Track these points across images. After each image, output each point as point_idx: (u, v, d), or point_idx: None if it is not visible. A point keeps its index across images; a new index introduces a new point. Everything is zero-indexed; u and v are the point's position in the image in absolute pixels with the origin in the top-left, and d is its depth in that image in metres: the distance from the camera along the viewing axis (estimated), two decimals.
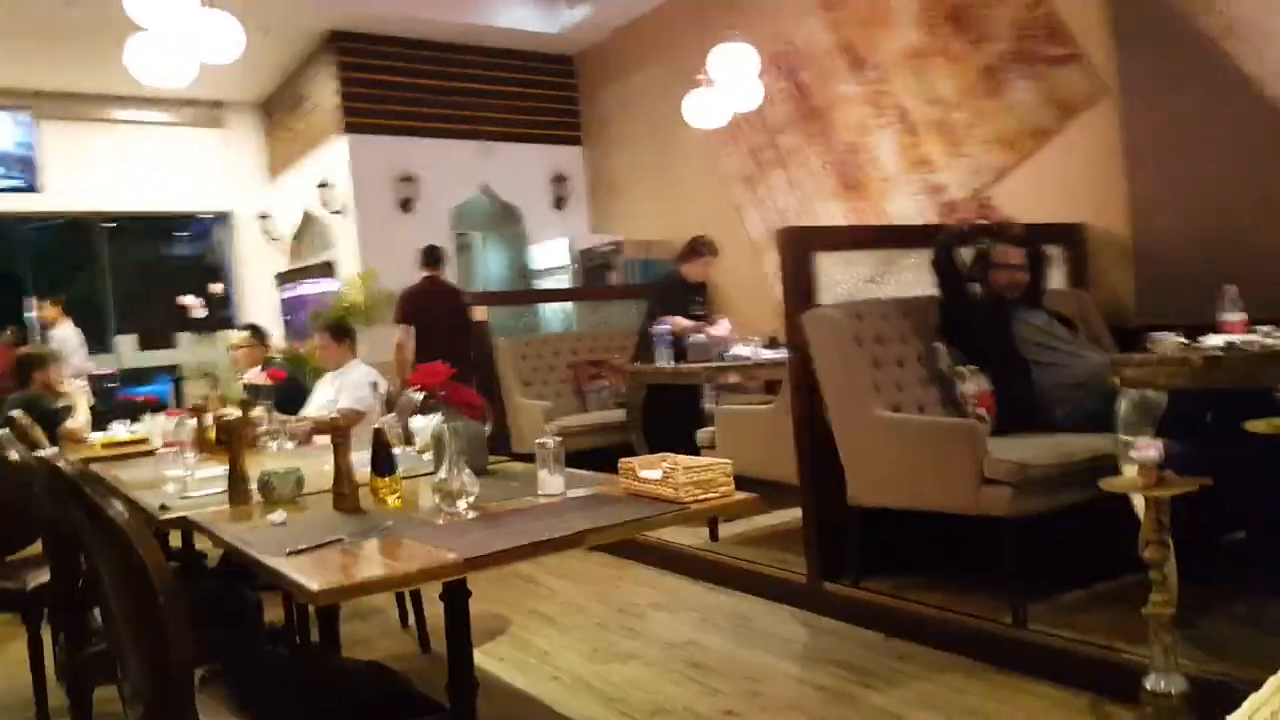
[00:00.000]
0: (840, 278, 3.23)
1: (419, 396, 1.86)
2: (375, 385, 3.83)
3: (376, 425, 2.02)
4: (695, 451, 3.34)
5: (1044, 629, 2.52)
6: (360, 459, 1.92)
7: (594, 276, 6.55)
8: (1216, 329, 2.80)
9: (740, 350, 4.36)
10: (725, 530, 3.93)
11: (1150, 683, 1.97)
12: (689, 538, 3.81)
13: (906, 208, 4.68)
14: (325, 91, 6.68)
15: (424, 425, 2.38)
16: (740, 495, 1.81)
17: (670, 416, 4.37)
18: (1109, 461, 2.41)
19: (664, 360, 4.39)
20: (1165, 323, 2.87)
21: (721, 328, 4.59)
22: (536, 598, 3.50)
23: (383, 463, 1.88)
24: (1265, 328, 2.77)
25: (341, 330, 4.26)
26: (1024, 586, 2.59)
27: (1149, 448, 2.09)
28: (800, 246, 3.16)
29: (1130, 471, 2.14)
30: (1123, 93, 3.67)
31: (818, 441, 3.06)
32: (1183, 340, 2.68)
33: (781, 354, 3.63)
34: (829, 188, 5.15)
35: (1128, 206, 3.69)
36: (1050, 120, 3.99)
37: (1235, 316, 2.81)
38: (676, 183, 6.30)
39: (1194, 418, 2.50)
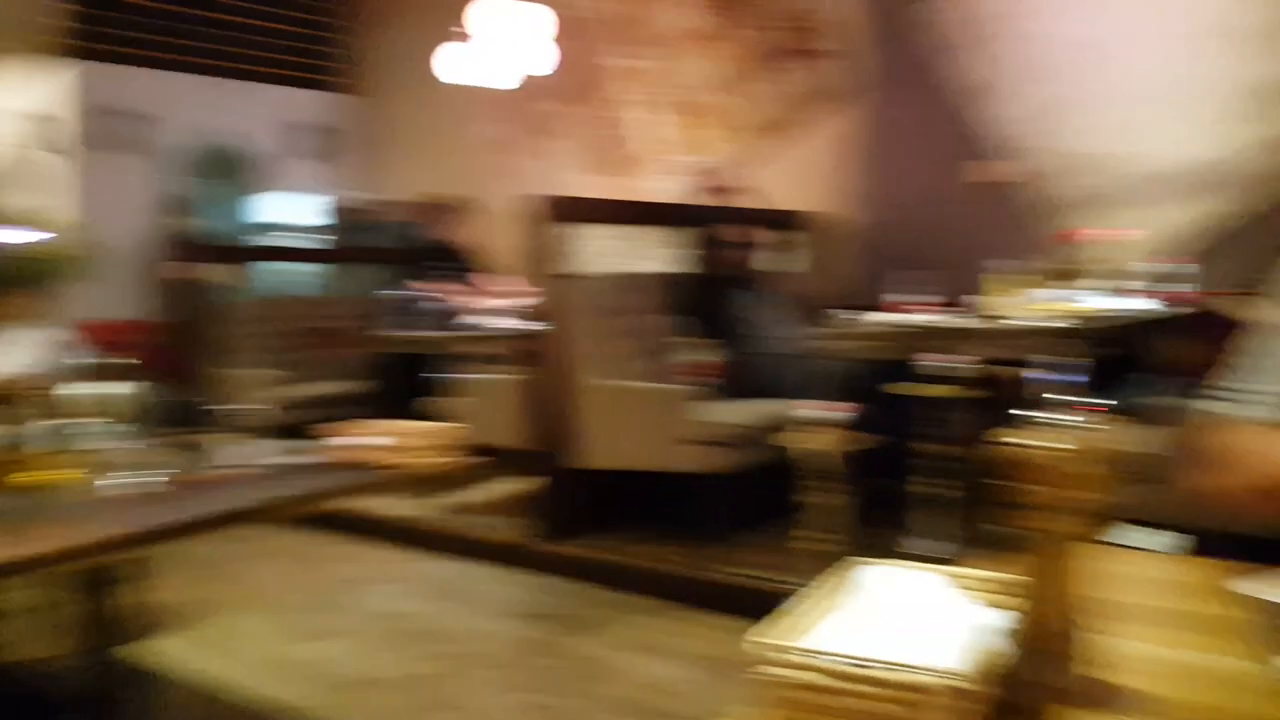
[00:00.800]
0: (590, 249, 3.41)
1: (97, 359, 1.77)
2: (55, 347, 3.58)
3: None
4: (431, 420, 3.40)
5: (724, 569, 2.87)
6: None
7: (353, 236, 6.33)
8: (898, 309, 3.25)
9: (490, 319, 4.44)
10: (460, 499, 3.99)
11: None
12: (413, 509, 3.82)
13: (668, 186, 4.97)
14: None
15: (99, 391, 2.26)
16: (463, 459, 1.85)
17: (408, 385, 4.35)
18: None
19: (410, 326, 4.39)
20: (876, 304, 3.29)
21: (473, 294, 4.62)
22: (232, 579, 3.32)
23: None
24: (955, 309, 3.24)
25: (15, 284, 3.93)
26: (718, 533, 2.94)
27: (827, 409, 2.46)
28: (549, 216, 3.28)
29: (811, 431, 2.51)
30: (867, 91, 4.12)
31: (549, 407, 3.23)
32: (863, 318, 3.10)
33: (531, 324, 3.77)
34: (594, 160, 5.33)
35: (858, 197, 4.15)
36: (809, 112, 4.38)
37: (915, 298, 3.26)
38: (447, 142, 6.24)
39: (867, 383, 2.91)
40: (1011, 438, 0.68)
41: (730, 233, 3.49)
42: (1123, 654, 0.75)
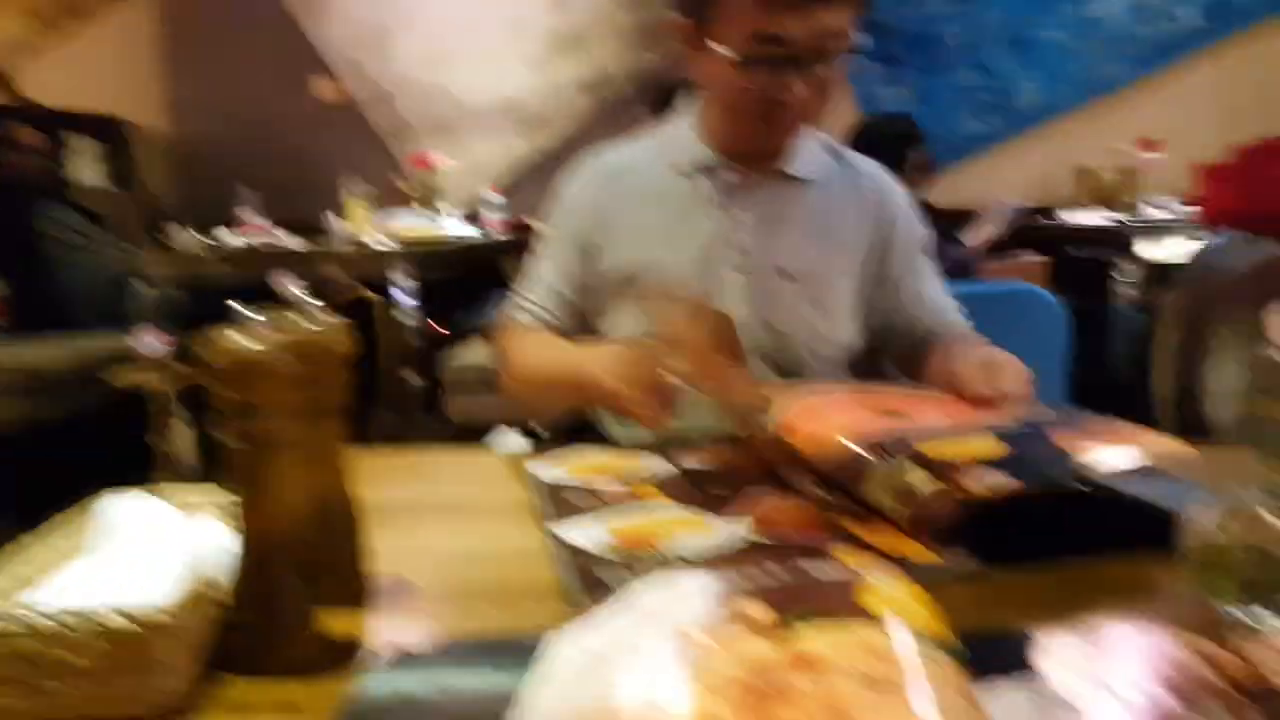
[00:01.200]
0: None
1: None
2: None
3: None
4: None
5: None
6: None
7: None
8: (235, 227, 3.00)
9: None
10: None
11: None
12: None
13: None
14: None
15: None
16: None
17: None
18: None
19: None
20: (218, 222, 2.98)
21: None
22: None
23: None
24: (281, 230, 3.09)
25: None
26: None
27: (150, 337, 2.15)
28: None
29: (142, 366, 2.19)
30: None
31: None
32: (200, 238, 2.80)
33: None
34: None
35: (169, 104, 3.70)
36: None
37: (254, 219, 3.06)
38: None
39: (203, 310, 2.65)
40: (222, 340, 0.60)
41: (22, 134, 2.86)
42: (398, 548, 0.73)
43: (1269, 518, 0.55)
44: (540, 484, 0.89)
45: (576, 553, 0.72)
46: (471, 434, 1.10)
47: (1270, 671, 0.51)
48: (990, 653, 0.53)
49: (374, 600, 0.66)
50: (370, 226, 3.10)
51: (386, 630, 0.62)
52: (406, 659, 0.56)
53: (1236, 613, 0.58)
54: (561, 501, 0.84)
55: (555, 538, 0.76)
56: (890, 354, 1.29)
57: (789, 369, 1.18)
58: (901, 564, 0.66)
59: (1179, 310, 1.41)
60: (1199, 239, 1.92)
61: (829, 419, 0.89)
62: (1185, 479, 0.70)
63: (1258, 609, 0.57)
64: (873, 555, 0.69)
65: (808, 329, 1.18)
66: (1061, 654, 0.54)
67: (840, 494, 0.80)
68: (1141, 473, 0.76)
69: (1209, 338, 1.35)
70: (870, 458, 0.78)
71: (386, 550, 0.70)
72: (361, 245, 2.99)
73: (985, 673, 0.51)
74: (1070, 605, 0.61)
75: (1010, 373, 0.96)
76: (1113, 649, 0.54)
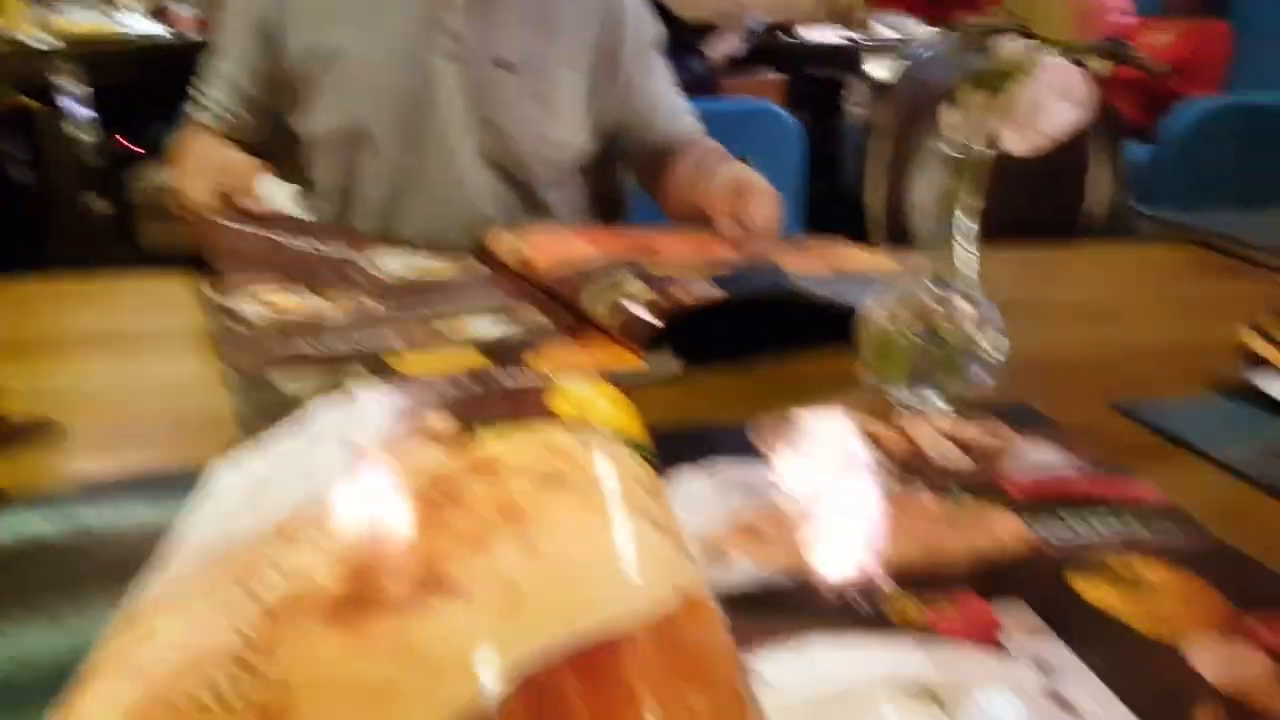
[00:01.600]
0: None
1: None
2: None
3: None
4: None
5: None
6: None
7: None
8: None
9: None
10: None
11: None
12: None
13: None
14: None
15: None
16: None
17: None
18: None
19: None
20: None
21: None
22: None
23: None
24: None
25: None
26: None
27: None
28: None
29: None
30: None
31: None
32: None
33: None
34: None
35: None
36: None
37: None
38: None
39: None
40: None
41: None
42: (46, 385, 0.65)
43: (932, 305, 0.60)
44: (215, 305, 0.82)
45: (251, 370, 0.67)
46: (173, 264, 0.98)
47: (928, 446, 0.57)
48: (681, 446, 0.55)
49: (5, 442, 0.58)
50: (27, 21, 2.64)
51: (19, 473, 0.55)
52: (38, 501, 0.50)
53: (904, 396, 0.64)
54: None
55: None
56: (628, 163, 1.28)
57: (513, 172, 1.14)
58: (607, 373, 0.68)
59: (889, 124, 1.50)
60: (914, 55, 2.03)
61: (570, 243, 0.90)
62: (873, 281, 0.76)
63: (921, 391, 0.63)
64: (575, 363, 0.70)
65: (531, 127, 1.13)
66: (747, 442, 0.57)
67: (562, 308, 0.81)
68: (836, 278, 0.81)
69: (915, 150, 1.45)
70: (594, 271, 0.80)
71: (31, 388, 0.61)
72: (17, 43, 2.55)
73: (675, 463, 0.53)
74: (763, 400, 0.65)
75: (761, 199, 0.97)
76: (799, 436, 0.59)
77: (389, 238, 1.00)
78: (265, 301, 0.80)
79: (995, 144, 0.56)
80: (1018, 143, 0.55)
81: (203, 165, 0.94)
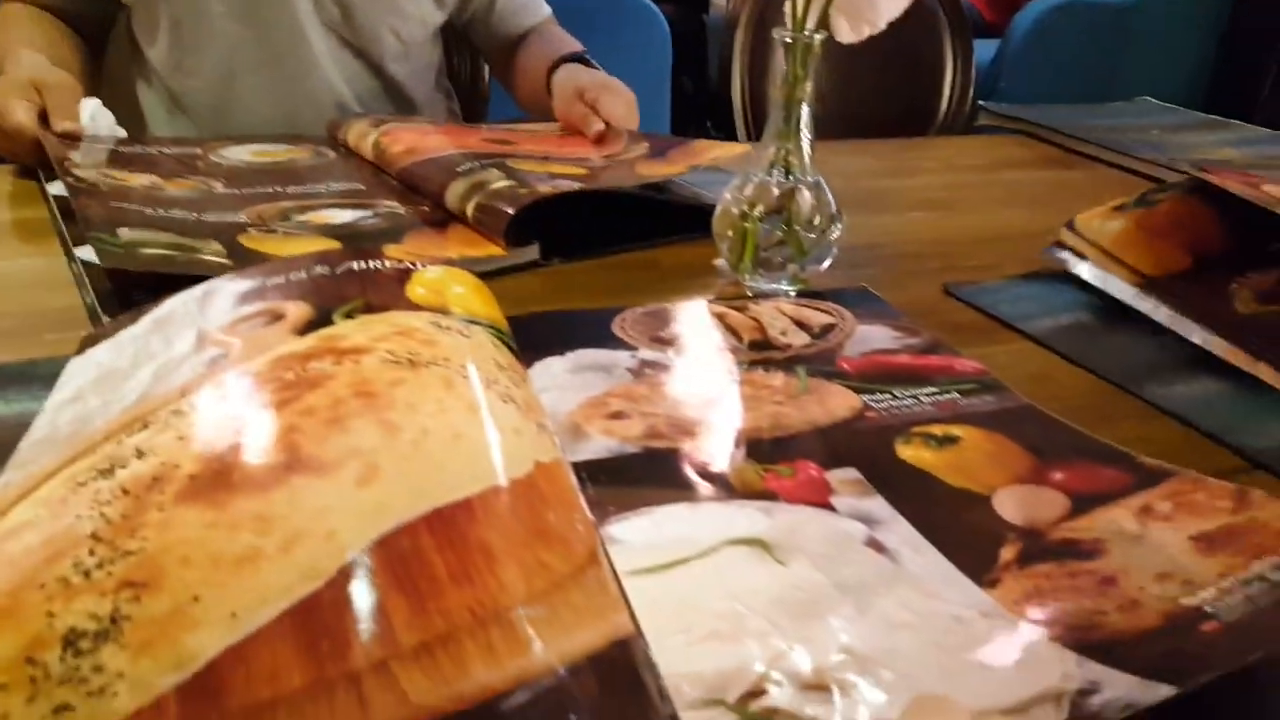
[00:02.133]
0: None
1: None
2: None
3: None
4: None
5: None
6: None
7: None
8: None
9: None
10: None
11: None
12: None
13: None
14: None
15: None
16: None
17: None
18: None
19: None
20: None
21: None
22: None
23: None
24: None
25: None
26: None
27: None
28: None
29: None
30: None
31: None
32: None
33: None
34: None
35: None
36: None
37: None
38: None
39: None
40: None
41: None
42: None
43: (776, 190, 0.63)
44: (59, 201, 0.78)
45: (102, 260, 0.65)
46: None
47: (768, 325, 0.61)
48: (542, 333, 0.57)
49: None
50: None
51: None
52: None
53: (753, 282, 0.67)
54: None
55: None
56: (480, 49, 1.26)
57: (362, 48, 1.10)
58: (467, 261, 0.68)
59: (747, 16, 1.51)
60: None
61: (426, 135, 0.90)
62: (729, 173, 0.78)
63: (768, 276, 0.67)
64: (434, 252, 0.70)
65: None
66: (608, 330, 0.60)
67: (421, 197, 0.80)
68: (693, 173, 0.84)
69: (770, 42, 1.47)
70: (451, 162, 0.80)
71: None
72: None
73: (536, 350, 0.55)
74: (623, 291, 0.67)
75: (615, 100, 0.96)
76: (657, 323, 0.61)
77: (235, 137, 0.96)
78: (110, 175, 0.77)
79: (828, 30, 0.59)
80: (847, 31, 0.57)
81: (20, 84, 0.86)
